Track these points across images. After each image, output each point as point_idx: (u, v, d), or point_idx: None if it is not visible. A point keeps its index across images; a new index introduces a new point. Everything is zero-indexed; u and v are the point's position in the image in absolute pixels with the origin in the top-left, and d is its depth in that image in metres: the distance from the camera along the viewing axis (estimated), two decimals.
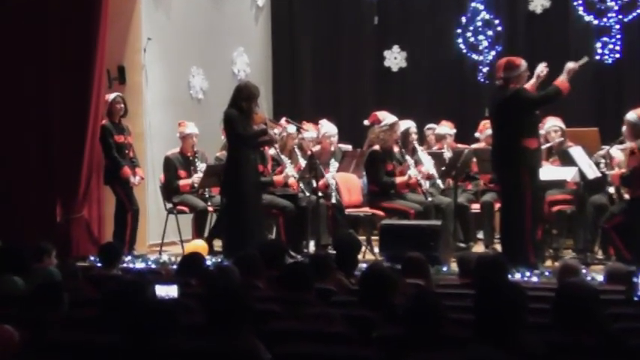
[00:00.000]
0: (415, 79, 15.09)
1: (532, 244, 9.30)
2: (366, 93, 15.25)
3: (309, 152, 11.11)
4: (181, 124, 11.69)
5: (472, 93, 14.50)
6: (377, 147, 10.84)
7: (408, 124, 11.31)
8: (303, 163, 11.28)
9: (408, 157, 11.06)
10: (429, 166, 11.17)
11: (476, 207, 11.56)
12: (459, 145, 12.03)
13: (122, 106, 11.16)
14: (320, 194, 10.78)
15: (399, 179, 10.80)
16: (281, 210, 10.82)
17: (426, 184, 10.97)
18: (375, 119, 11.01)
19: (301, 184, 11.04)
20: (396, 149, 11.08)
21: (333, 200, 11.09)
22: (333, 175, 11.26)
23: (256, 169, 10.22)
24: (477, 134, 12.11)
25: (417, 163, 11.20)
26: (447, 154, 11.56)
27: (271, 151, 11.20)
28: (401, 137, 11.08)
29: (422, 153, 11.41)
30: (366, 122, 11.13)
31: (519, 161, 9.20)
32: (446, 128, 12.33)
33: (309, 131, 12.04)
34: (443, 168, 11.28)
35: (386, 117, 11.03)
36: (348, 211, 10.94)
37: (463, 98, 14.59)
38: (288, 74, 15.72)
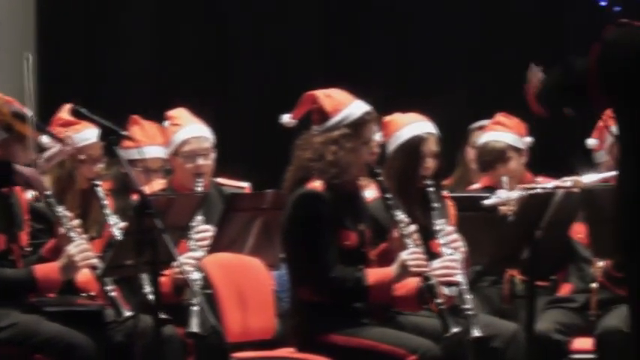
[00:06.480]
0: None
1: None
2: None
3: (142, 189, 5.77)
4: None
5: None
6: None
7: (416, 127, 6.03)
8: (115, 228, 5.91)
9: (399, 216, 5.67)
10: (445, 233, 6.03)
11: (584, 343, 6.63)
12: (540, 179, 7.15)
13: None
14: (164, 315, 5.40)
15: (374, 273, 5.72)
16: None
17: (449, 289, 6.02)
18: None
19: (108, 285, 5.77)
20: (370, 193, 5.98)
21: (194, 328, 5.83)
22: (195, 256, 5.93)
23: None
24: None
25: (429, 233, 6.10)
26: (505, 193, 6.77)
27: (30, 195, 6.04)
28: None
29: (438, 205, 6.11)
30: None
31: None
32: (508, 135, 7.37)
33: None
34: (497, 239, 6.18)
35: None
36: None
37: None
38: None
